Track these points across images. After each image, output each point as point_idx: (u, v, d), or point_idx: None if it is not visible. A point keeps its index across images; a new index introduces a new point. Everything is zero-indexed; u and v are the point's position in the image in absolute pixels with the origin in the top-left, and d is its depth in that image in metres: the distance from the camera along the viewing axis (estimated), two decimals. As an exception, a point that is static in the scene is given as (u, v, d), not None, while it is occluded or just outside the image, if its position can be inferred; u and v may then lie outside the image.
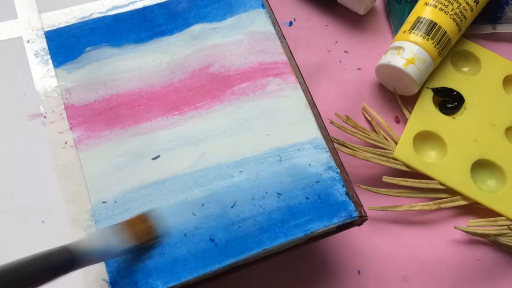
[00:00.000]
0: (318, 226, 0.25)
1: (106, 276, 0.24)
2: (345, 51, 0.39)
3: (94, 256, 0.22)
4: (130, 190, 0.26)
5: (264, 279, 0.31)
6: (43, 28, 0.30)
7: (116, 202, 0.25)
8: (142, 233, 0.24)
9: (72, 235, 0.25)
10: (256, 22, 0.31)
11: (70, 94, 0.28)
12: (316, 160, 0.27)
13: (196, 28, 0.30)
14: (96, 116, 0.28)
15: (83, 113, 0.28)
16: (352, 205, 0.26)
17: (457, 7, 0.35)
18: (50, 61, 0.29)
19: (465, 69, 0.38)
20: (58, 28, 0.30)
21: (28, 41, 0.29)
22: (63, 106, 0.28)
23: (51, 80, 0.28)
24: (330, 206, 0.26)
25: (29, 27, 0.30)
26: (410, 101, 0.37)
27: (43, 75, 0.29)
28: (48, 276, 0.20)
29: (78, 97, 0.28)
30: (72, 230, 0.25)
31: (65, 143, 0.27)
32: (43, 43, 0.29)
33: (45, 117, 0.28)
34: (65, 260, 0.20)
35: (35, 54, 0.29)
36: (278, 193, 0.26)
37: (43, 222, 0.25)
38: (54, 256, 0.20)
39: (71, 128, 0.27)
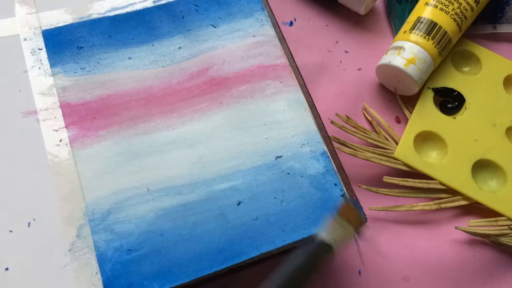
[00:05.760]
0: (316, 230, 0.25)
1: (99, 277, 0.24)
2: (346, 51, 0.39)
3: (341, 246, 0.24)
4: (125, 190, 0.26)
5: (263, 278, 0.31)
6: (40, 27, 0.30)
7: (110, 201, 0.25)
8: (355, 221, 0.25)
9: (64, 233, 0.25)
10: (255, 24, 0.31)
11: (66, 92, 0.28)
12: (315, 163, 0.27)
13: (195, 30, 0.30)
14: (92, 115, 0.27)
15: (79, 112, 0.28)
16: None
17: (458, 7, 0.35)
18: (46, 59, 0.29)
19: (466, 69, 0.38)
20: (56, 27, 0.30)
21: (25, 39, 0.29)
22: (58, 104, 0.28)
23: (47, 78, 0.28)
24: (328, 209, 0.26)
25: (26, 25, 0.30)
26: (410, 101, 0.37)
27: (39, 73, 0.29)
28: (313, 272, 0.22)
29: (74, 96, 0.28)
30: (64, 229, 0.25)
31: (60, 140, 0.27)
32: (40, 42, 0.29)
33: (40, 114, 0.27)
34: (326, 255, 0.22)
35: (31, 52, 0.29)
36: (275, 197, 0.26)
37: (34, 219, 0.25)
38: (320, 254, 0.22)
39: (66, 126, 0.27)
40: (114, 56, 0.29)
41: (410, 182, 0.33)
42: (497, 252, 0.33)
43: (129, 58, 0.29)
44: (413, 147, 0.34)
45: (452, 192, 0.34)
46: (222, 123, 0.28)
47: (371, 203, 0.34)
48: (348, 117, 0.35)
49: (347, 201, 0.26)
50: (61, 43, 0.29)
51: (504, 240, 0.32)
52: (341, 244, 0.24)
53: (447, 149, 0.35)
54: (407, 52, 0.34)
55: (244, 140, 0.27)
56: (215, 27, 0.31)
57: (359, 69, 0.39)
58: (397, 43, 0.35)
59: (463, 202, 0.33)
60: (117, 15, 0.31)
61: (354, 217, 0.25)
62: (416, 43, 0.34)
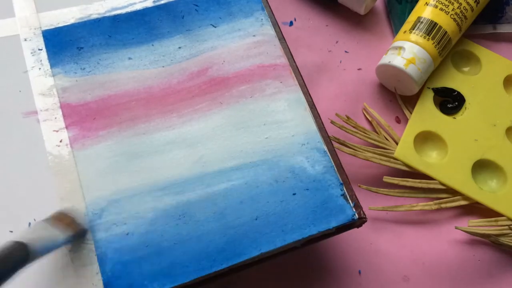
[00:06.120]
0: (316, 230, 0.25)
1: (100, 277, 0.24)
2: (346, 51, 0.39)
3: (45, 248, 0.22)
4: (125, 190, 0.26)
5: (263, 278, 0.31)
6: (40, 27, 0.30)
7: (110, 201, 0.25)
8: (70, 224, 0.24)
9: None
10: (255, 24, 0.31)
11: (66, 93, 0.28)
12: (315, 163, 0.27)
13: (195, 30, 0.30)
14: (92, 116, 0.27)
15: (79, 112, 0.28)
16: (351, 208, 0.26)
17: (458, 7, 0.35)
18: (47, 59, 0.29)
19: (466, 69, 0.38)
20: (56, 28, 0.30)
21: (25, 39, 0.29)
22: (59, 104, 0.28)
23: (47, 78, 0.28)
24: (328, 209, 0.26)
25: (26, 25, 0.30)
26: (410, 101, 0.37)
27: (39, 73, 0.29)
28: (5, 275, 0.20)
29: (74, 96, 0.28)
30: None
31: (60, 141, 0.27)
32: (40, 42, 0.29)
33: (40, 115, 0.27)
34: (21, 256, 0.20)
35: (31, 52, 0.29)
36: (275, 197, 0.26)
37: (35, 220, 0.25)
38: (11, 254, 0.20)
39: (66, 127, 0.27)
40: (114, 56, 0.29)
41: (410, 182, 0.33)
42: (497, 252, 0.33)
43: (129, 58, 0.29)
44: (413, 147, 0.34)
45: (452, 192, 0.34)
46: (222, 123, 0.28)
47: (371, 203, 0.34)
48: (348, 117, 0.35)
49: (65, 209, 0.25)
50: (61, 44, 0.29)
51: (504, 240, 0.32)
52: (42, 247, 0.22)
53: (447, 149, 0.35)
54: (407, 52, 0.34)
55: (244, 140, 0.27)
56: (215, 27, 0.31)
57: (359, 69, 0.39)
58: (397, 43, 0.35)
59: (463, 202, 0.33)
60: (117, 15, 0.31)
61: (70, 223, 0.24)
62: (416, 43, 0.34)
